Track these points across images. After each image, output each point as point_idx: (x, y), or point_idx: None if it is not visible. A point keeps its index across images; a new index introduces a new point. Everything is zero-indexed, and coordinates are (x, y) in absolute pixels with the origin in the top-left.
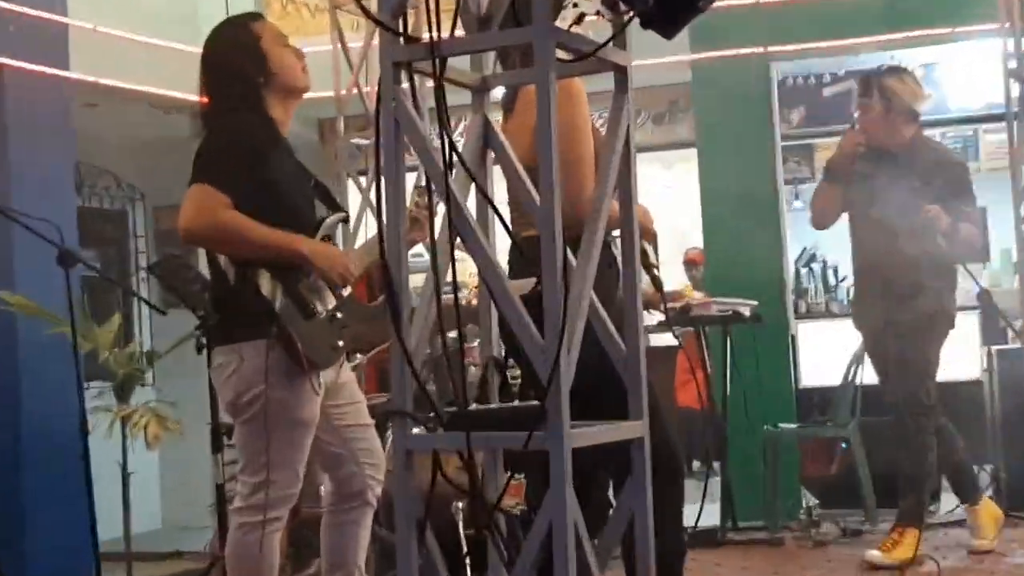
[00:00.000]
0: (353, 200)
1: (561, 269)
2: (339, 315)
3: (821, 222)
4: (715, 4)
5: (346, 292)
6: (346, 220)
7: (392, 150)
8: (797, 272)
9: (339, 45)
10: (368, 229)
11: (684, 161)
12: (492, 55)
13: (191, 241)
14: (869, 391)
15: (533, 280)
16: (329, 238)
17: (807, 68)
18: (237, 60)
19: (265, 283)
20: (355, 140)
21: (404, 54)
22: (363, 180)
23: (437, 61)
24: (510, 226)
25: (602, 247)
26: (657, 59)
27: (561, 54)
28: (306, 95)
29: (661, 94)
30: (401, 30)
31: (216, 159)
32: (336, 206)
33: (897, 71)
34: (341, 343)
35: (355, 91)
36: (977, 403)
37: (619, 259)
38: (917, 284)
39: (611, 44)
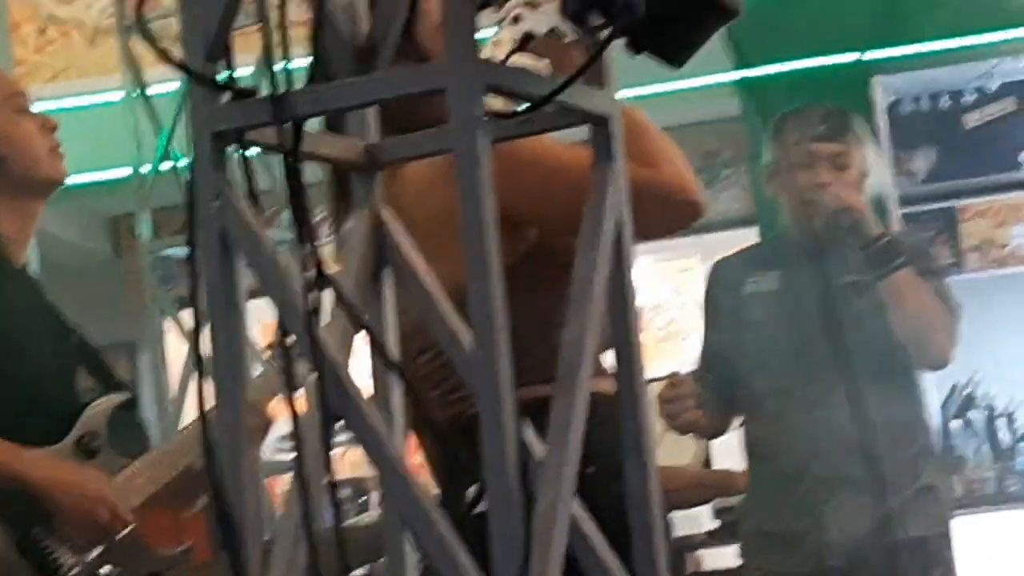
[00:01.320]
0: (175, 352)
1: (516, 473)
2: (106, 571)
3: None
4: None
5: (126, 531)
6: (131, 404)
7: (218, 279)
8: (945, 428)
9: (137, 91)
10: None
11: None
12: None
13: None
14: None
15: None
16: (92, 436)
17: (933, 82)
18: None
19: None
20: (170, 251)
21: (231, 118)
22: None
23: (288, 127)
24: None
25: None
26: (674, 84)
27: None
28: (92, 180)
29: (689, 140)
30: (224, 77)
31: None
32: (112, 381)
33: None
34: None
35: (167, 167)
36: None
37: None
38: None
39: (580, 80)
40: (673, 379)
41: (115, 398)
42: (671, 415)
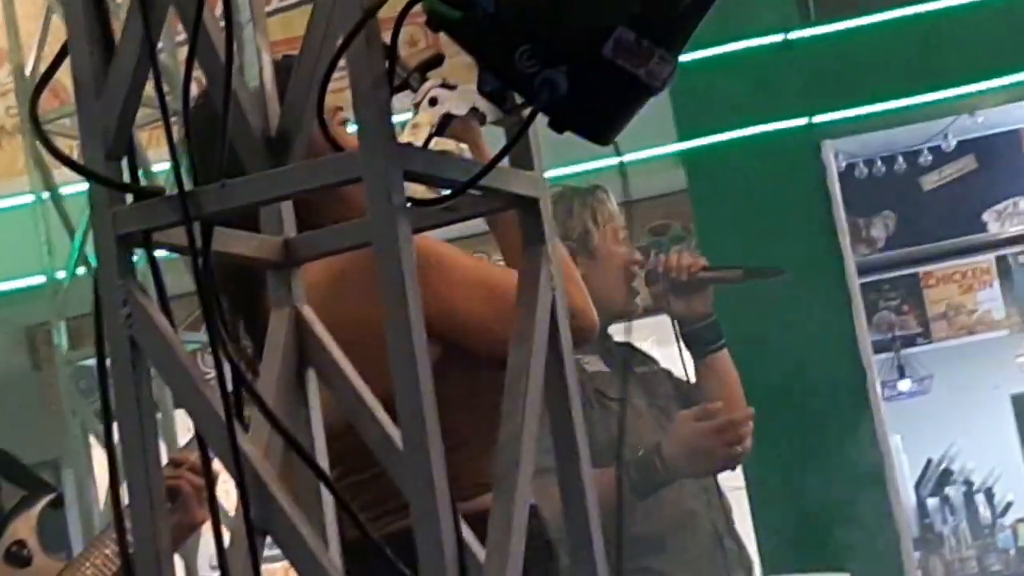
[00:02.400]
0: (102, 468)
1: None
2: None
3: None
4: (710, 52)
5: None
6: (57, 504)
7: (129, 390)
8: (921, 506)
9: (47, 193)
10: None
11: None
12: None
13: None
14: None
15: None
16: (21, 544)
17: (886, 144)
18: None
19: None
20: (90, 361)
21: (135, 220)
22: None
23: (197, 227)
24: (358, 512)
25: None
26: (613, 159)
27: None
28: (5, 289)
29: (636, 215)
30: (126, 178)
31: None
32: (36, 483)
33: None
34: None
35: (82, 271)
36: None
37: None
38: None
39: (505, 161)
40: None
41: (40, 500)
42: (732, 442)
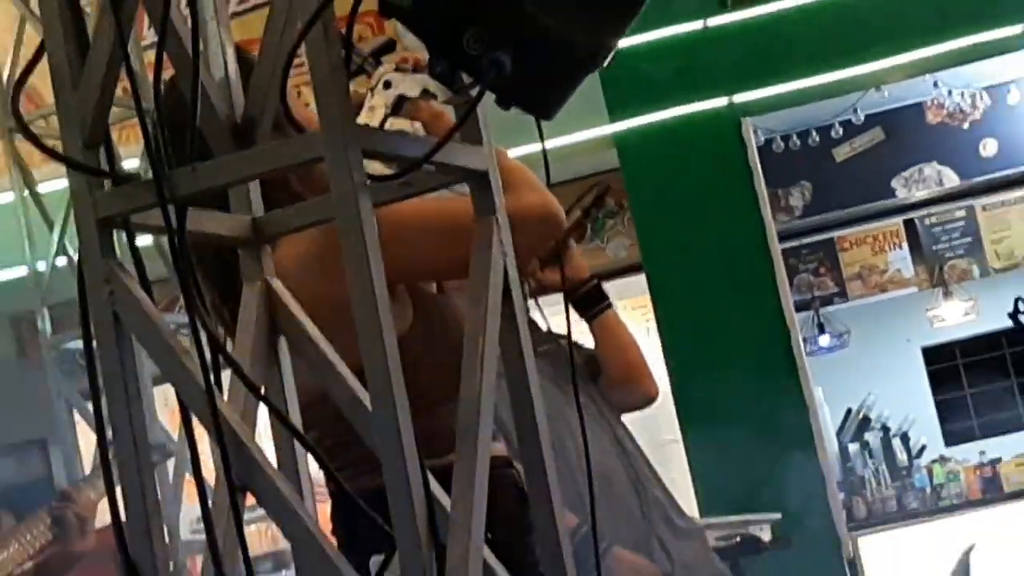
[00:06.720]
0: (87, 444)
1: (425, 524)
2: None
3: None
4: (636, 40)
5: None
6: None
7: (115, 364)
8: (843, 452)
9: (23, 188)
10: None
11: (628, 298)
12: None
13: None
14: None
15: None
16: None
17: (802, 119)
18: None
19: None
20: (73, 344)
21: (114, 204)
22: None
23: (172, 210)
24: (337, 471)
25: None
26: (553, 141)
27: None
28: None
29: (570, 195)
30: (104, 165)
31: None
32: None
33: None
34: None
35: (61, 261)
36: None
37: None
38: None
39: (456, 138)
40: None
41: None
42: None
